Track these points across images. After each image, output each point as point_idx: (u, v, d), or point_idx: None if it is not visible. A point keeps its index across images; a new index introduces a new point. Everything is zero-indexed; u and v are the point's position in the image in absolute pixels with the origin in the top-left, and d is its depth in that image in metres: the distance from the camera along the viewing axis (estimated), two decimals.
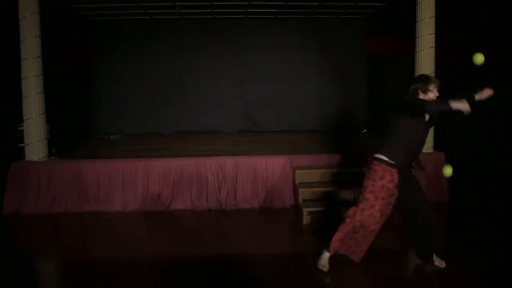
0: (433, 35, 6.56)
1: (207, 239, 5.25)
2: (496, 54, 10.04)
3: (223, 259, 4.56)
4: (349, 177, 6.09)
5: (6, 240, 5.42)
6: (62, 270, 4.58)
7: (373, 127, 10.08)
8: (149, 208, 6.31)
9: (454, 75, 9.88)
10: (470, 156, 9.14)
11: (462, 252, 4.61)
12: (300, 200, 6.00)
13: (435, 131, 6.78)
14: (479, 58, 3.68)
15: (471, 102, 3.54)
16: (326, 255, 4.09)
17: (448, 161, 3.98)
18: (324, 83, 10.28)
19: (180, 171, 6.38)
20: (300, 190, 6.03)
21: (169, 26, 10.14)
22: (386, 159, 3.86)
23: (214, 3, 8.68)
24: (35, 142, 6.44)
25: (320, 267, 4.07)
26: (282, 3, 8.87)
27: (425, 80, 3.92)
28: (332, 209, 5.67)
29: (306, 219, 5.67)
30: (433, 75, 6.61)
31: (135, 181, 6.35)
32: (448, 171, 3.87)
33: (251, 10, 9.34)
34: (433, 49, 6.58)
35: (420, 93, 3.87)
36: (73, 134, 9.09)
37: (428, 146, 6.69)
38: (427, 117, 3.82)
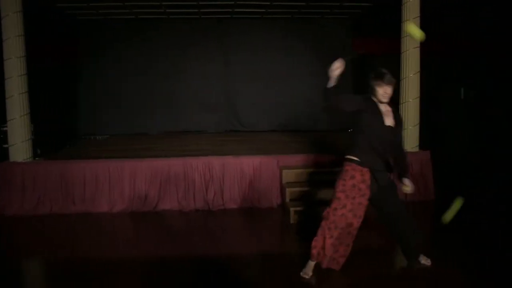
0: None
1: (194, 239, 5.23)
2: (479, 53, 10.20)
3: (210, 259, 4.56)
4: (336, 177, 6.09)
5: None
6: (48, 272, 4.54)
7: None
8: (136, 208, 6.28)
9: (440, 74, 10.02)
10: (456, 154, 9.26)
11: (447, 250, 4.67)
12: (287, 200, 6.02)
13: (420, 130, 6.85)
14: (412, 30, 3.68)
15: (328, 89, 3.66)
16: (310, 263, 4.06)
17: (451, 206, 3.91)
18: (311, 82, 10.28)
19: (167, 171, 6.35)
20: (287, 189, 6.04)
21: (156, 26, 10.07)
22: (355, 158, 3.87)
23: (200, 2, 8.65)
24: (19, 143, 6.36)
25: (302, 274, 4.03)
26: (269, 3, 8.87)
27: (373, 75, 3.87)
28: (319, 209, 5.67)
29: (293, 219, 5.69)
30: (418, 75, 6.69)
31: (122, 182, 6.31)
32: (448, 216, 3.85)
33: (237, 10, 9.33)
34: (418, 49, 6.65)
35: (374, 88, 3.86)
36: (58, 135, 9.00)
37: (413, 146, 6.76)
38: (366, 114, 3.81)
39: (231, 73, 10.33)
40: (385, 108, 3.91)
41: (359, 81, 10.48)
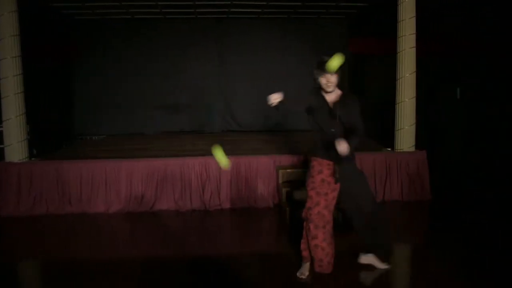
0: (414, 35, 6.64)
1: (191, 240, 5.23)
2: (477, 52, 10.23)
3: (207, 259, 4.56)
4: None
5: None
6: (44, 272, 4.53)
7: None
8: (132, 208, 6.27)
9: (438, 74, 10.04)
10: (451, 155, 9.29)
11: (447, 250, 4.68)
12: (284, 200, 6.02)
13: (417, 130, 6.87)
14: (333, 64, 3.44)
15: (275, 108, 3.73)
16: (305, 264, 4.06)
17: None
18: (308, 82, 10.26)
19: (163, 171, 6.34)
20: (284, 189, 6.04)
21: (153, 26, 10.05)
22: (318, 153, 3.86)
23: (196, 2, 8.64)
24: (15, 143, 6.34)
25: (298, 274, 4.01)
26: (265, 3, 8.88)
27: (315, 66, 3.80)
28: None
29: (289, 218, 5.69)
30: (414, 74, 6.70)
31: (118, 182, 6.29)
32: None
33: (233, 10, 9.32)
34: (414, 49, 6.66)
35: (317, 78, 3.83)
36: (54, 135, 8.98)
37: (409, 145, 6.78)
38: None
39: (227, 73, 10.32)
40: (333, 97, 3.83)
41: (355, 82, 10.52)
